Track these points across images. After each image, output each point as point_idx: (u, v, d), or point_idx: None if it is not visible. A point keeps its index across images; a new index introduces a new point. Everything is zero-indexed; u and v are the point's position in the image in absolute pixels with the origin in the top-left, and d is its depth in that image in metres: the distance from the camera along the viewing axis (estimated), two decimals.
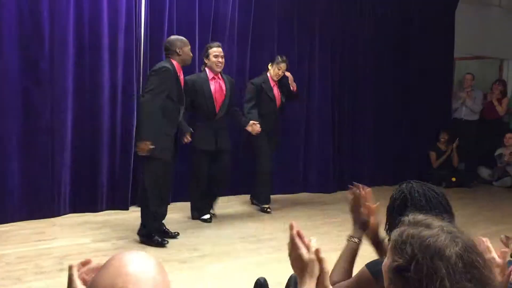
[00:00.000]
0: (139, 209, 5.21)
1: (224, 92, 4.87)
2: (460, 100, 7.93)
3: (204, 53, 4.91)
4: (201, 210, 4.95)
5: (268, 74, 5.49)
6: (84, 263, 1.23)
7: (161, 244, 4.13)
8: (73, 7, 4.78)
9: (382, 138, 7.35)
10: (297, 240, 1.31)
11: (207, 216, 4.93)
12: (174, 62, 4.22)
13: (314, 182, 6.64)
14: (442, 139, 7.64)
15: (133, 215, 5.06)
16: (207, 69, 4.88)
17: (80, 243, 4.13)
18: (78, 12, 4.82)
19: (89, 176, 5.02)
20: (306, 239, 1.32)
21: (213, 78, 4.86)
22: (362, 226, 2.01)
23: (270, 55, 5.97)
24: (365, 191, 2.04)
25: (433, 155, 7.66)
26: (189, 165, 5.03)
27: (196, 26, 5.59)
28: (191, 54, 4.34)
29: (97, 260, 1.19)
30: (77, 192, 4.97)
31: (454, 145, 7.54)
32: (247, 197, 5.87)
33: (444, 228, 1.12)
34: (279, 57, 5.48)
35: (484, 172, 7.91)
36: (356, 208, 2.03)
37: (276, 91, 5.51)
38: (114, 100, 5.09)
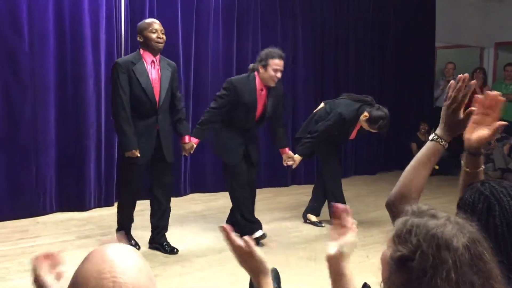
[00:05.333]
0: None
1: (262, 107, 4.18)
2: (440, 87, 8.03)
3: (260, 59, 4.08)
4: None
5: None
6: (46, 256, 1.25)
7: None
8: (52, 0, 4.70)
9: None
10: (238, 244, 1.39)
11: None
12: (142, 52, 3.74)
13: (300, 172, 6.69)
14: (422, 130, 7.75)
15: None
16: (257, 78, 4.11)
17: (63, 240, 4.10)
18: (57, 3, 4.74)
19: (76, 173, 4.96)
20: (241, 240, 1.39)
21: (261, 89, 4.14)
22: (453, 128, 1.55)
23: (255, 39, 5.98)
24: (488, 95, 1.56)
25: (414, 145, 7.75)
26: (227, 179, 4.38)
27: (178, 18, 5.54)
28: (153, 37, 3.67)
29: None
30: (64, 190, 4.92)
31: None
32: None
33: (451, 219, 1.09)
34: None
35: None
36: (455, 105, 1.51)
37: None
38: (99, 92, 5.03)
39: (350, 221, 1.39)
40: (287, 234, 4.51)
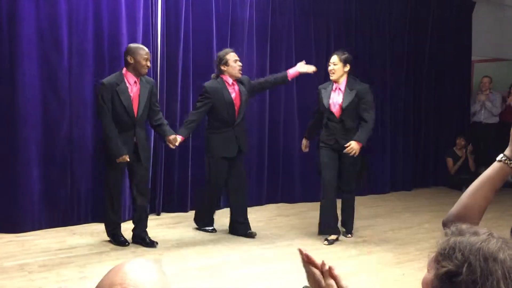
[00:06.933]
0: (157, 217, 5.35)
1: (240, 98, 4.71)
2: (479, 103, 7.85)
3: (219, 62, 4.66)
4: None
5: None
6: None
7: (123, 244, 4.33)
8: (92, 19, 4.85)
9: (399, 144, 7.31)
10: (310, 267, 1.27)
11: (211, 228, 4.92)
12: (125, 72, 4.24)
13: None
14: (459, 145, 7.60)
15: (151, 223, 5.12)
16: (223, 77, 4.67)
17: (99, 252, 4.18)
18: (96, 23, 4.89)
19: None
20: (317, 262, 1.27)
21: (233, 84, 4.69)
22: None
23: (289, 56, 5.99)
24: None
25: (449, 161, 7.60)
26: (206, 173, 4.83)
27: (213, 32, 5.62)
28: (144, 63, 4.21)
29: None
30: (99, 202, 4.99)
31: (468, 150, 7.49)
32: (266, 206, 5.99)
33: (494, 234, 1.08)
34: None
35: None
36: None
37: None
38: None
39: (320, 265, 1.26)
40: (319, 250, 4.47)
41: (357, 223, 5.35)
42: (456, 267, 1.02)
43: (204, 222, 4.91)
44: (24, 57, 4.51)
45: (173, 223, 5.15)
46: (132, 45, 4.37)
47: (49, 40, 4.65)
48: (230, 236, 4.79)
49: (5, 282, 3.47)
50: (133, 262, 0.95)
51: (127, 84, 4.24)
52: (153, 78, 5.27)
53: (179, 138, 4.46)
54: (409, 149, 7.46)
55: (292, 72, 4.91)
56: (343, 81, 4.64)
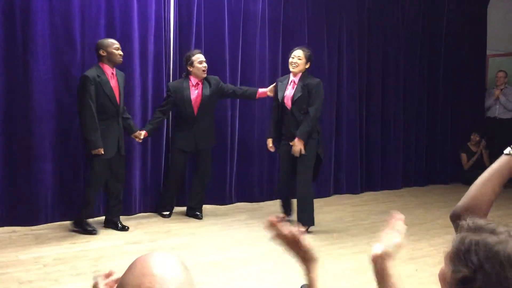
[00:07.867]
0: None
1: (201, 98, 4.95)
2: (493, 97, 7.76)
3: (185, 63, 4.97)
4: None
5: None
6: (108, 275, 1.27)
7: (91, 232, 4.45)
8: (104, 14, 4.88)
9: (412, 139, 7.26)
10: (285, 233, 1.42)
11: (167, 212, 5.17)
12: (102, 65, 4.42)
13: (343, 183, 6.62)
14: (473, 140, 7.52)
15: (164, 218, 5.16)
16: (190, 77, 4.96)
17: (113, 245, 4.22)
18: (109, 19, 4.91)
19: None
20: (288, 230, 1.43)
21: (197, 84, 4.96)
22: None
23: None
24: None
25: (464, 156, 7.52)
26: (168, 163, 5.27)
27: (225, 27, 5.61)
28: (117, 53, 4.43)
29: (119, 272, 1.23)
30: None
31: (481, 146, 7.42)
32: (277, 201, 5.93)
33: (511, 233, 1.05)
34: None
35: None
36: None
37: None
38: (145, 104, 5.17)
39: (399, 224, 1.41)
40: (333, 245, 4.47)
41: (369, 218, 5.34)
42: (471, 272, 1.01)
43: (162, 204, 5.16)
44: (37, 52, 4.55)
45: (186, 217, 5.18)
46: (101, 40, 4.51)
47: (62, 35, 4.68)
48: (244, 231, 4.80)
49: (21, 274, 3.52)
50: (157, 260, 0.93)
51: (108, 77, 4.43)
52: (165, 73, 5.31)
53: (143, 133, 4.81)
54: (423, 144, 7.41)
55: (261, 91, 5.11)
56: (298, 76, 4.74)
